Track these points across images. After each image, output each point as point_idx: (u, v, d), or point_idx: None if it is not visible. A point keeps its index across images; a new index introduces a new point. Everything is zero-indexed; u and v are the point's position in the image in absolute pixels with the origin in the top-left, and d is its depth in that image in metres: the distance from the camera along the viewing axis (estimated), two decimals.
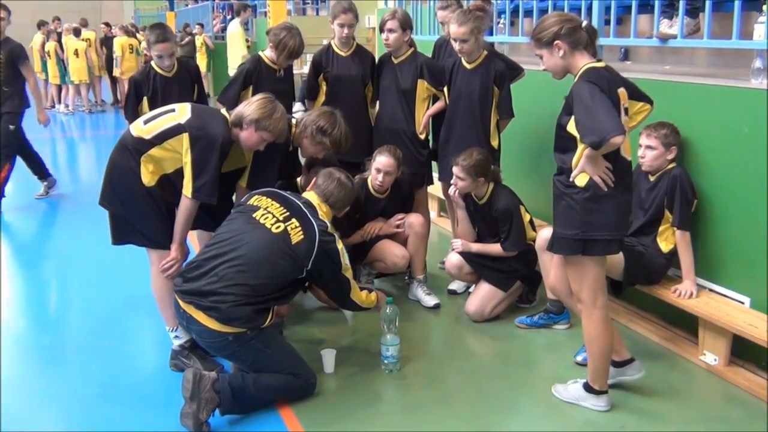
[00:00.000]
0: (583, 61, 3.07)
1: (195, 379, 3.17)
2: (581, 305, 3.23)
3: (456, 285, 4.86)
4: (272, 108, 3.69)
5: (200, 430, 3.14)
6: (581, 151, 3.03)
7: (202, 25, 16.71)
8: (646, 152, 3.91)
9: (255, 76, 4.65)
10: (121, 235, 3.73)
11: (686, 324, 3.97)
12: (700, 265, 3.87)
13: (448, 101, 4.73)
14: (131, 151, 3.58)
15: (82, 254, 5.80)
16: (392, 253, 4.59)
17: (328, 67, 4.88)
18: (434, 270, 5.16)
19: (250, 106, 3.69)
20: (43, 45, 15.24)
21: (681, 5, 4.12)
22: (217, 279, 3.29)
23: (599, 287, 3.17)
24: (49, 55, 15.02)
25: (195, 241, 4.56)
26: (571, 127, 3.03)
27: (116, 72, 15.07)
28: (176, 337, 3.78)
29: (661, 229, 3.93)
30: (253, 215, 3.47)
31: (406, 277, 4.86)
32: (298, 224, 3.44)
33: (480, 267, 4.43)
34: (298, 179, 4.45)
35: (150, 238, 3.67)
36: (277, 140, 3.76)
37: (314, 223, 3.46)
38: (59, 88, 15.32)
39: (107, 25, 16.73)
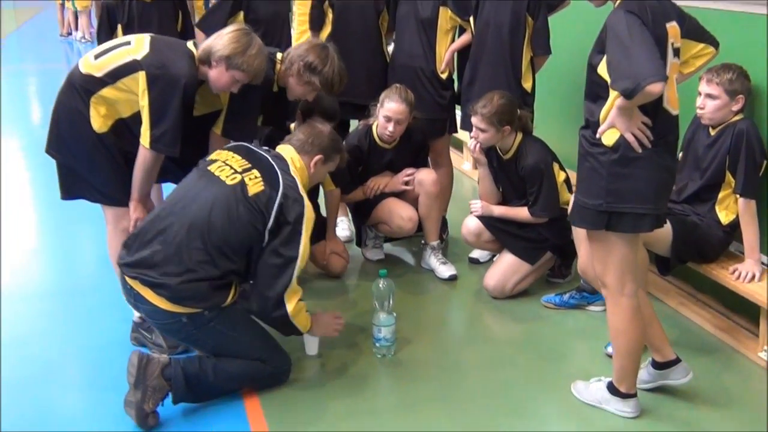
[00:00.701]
0: None
1: (141, 363, 2.97)
2: (605, 291, 2.91)
3: (479, 253, 4.56)
4: (247, 42, 3.39)
5: (145, 422, 2.96)
6: (612, 101, 2.67)
7: None
8: (706, 102, 3.50)
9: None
10: (71, 188, 3.54)
11: (748, 312, 3.61)
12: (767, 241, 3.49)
13: (475, 34, 4.35)
14: (79, 90, 3.35)
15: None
16: (398, 214, 4.31)
17: None
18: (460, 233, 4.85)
19: (221, 39, 3.39)
20: None
21: None
22: (163, 246, 3.05)
23: (628, 270, 2.83)
24: None
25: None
26: (603, 70, 2.67)
27: None
28: None
29: (720, 195, 3.55)
30: (208, 168, 3.22)
31: (423, 242, 4.57)
32: (258, 175, 3.13)
33: (502, 234, 4.12)
34: (292, 125, 4.17)
35: (104, 192, 3.46)
36: (253, 81, 3.47)
37: (280, 175, 3.15)
38: (76, 15, 15.26)
39: None
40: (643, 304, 3.01)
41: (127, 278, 3.11)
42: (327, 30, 4.61)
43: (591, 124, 2.79)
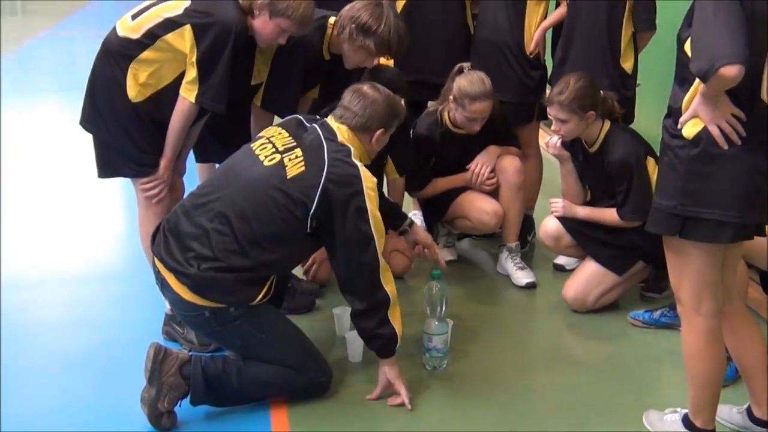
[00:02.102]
0: None
1: (157, 357, 3.13)
2: (680, 308, 2.89)
3: (565, 259, 4.57)
4: None
5: (158, 422, 3.12)
6: (696, 86, 2.65)
7: None
8: None
9: None
10: (108, 165, 3.74)
11: None
12: None
13: (569, 6, 4.37)
14: (115, 57, 3.55)
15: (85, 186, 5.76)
16: (479, 207, 4.36)
17: None
18: None
19: None
20: None
21: None
22: (192, 231, 3.17)
23: (706, 286, 2.79)
24: None
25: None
26: (689, 47, 2.65)
27: None
28: None
29: None
30: (252, 146, 3.33)
31: (500, 243, 4.61)
32: (300, 154, 3.18)
33: (586, 240, 4.12)
34: None
35: (138, 162, 3.64)
36: (300, 29, 3.60)
37: (326, 151, 3.18)
38: None
39: None
40: (756, 339, 2.97)
41: (155, 260, 3.26)
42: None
43: (673, 112, 2.76)
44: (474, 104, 4.16)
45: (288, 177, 3.14)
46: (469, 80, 4.17)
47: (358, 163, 3.21)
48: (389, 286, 3.24)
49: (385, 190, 4.37)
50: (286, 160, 3.18)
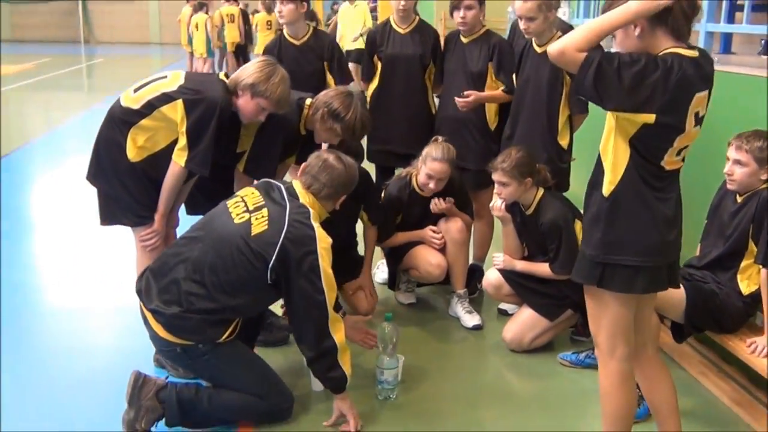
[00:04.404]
0: (666, 45, 2.37)
1: (137, 383, 2.92)
2: (597, 351, 2.64)
3: (508, 305, 4.30)
4: (270, 71, 3.34)
5: None
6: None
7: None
8: (734, 168, 3.19)
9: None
10: (109, 214, 3.52)
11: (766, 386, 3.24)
12: None
13: (515, 90, 4.17)
14: (118, 123, 3.36)
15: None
16: (427, 260, 4.12)
17: (383, 45, 4.46)
18: None
19: (246, 70, 3.38)
20: (191, 17, 15.79)
21: None
22: (168, 277, 2.98)
23: (620, 333, 2.55)
24: (197, 28, 15.54)
25: None
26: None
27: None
28: None
29: (743, 264, 3.22)
30: (228, 203, 3.12)
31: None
32: (266, 214, 2.97)
33: (522, 289, 3.87)
34: None
35: (135, 213, 3.44)
36: (277, 109, 3.39)
37: (288, 212, 2.98)
38: (203, 61, 15.84)
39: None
40: (666, 384, 2.72)
41: (139, 301, 3.06)
42: (376, 81, 4.54)
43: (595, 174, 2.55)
44: (433, 163, 3.98)
45: (252, 234, 2.94)
46: (435, 146, 4.02)
47: (315, 225, 3.00)
48: (338, 335, 2.99)
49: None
50: (253, 219, 2.99)
